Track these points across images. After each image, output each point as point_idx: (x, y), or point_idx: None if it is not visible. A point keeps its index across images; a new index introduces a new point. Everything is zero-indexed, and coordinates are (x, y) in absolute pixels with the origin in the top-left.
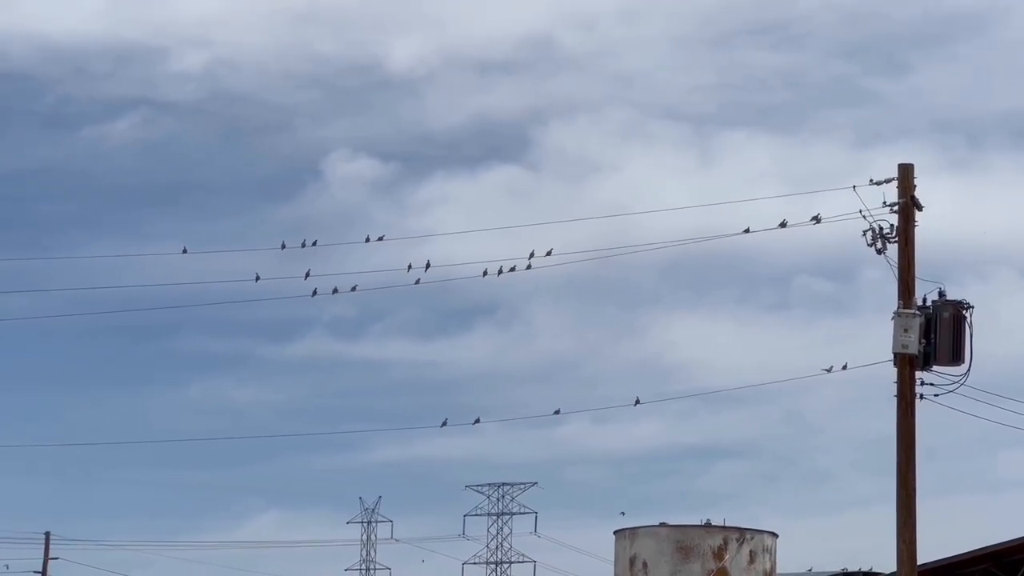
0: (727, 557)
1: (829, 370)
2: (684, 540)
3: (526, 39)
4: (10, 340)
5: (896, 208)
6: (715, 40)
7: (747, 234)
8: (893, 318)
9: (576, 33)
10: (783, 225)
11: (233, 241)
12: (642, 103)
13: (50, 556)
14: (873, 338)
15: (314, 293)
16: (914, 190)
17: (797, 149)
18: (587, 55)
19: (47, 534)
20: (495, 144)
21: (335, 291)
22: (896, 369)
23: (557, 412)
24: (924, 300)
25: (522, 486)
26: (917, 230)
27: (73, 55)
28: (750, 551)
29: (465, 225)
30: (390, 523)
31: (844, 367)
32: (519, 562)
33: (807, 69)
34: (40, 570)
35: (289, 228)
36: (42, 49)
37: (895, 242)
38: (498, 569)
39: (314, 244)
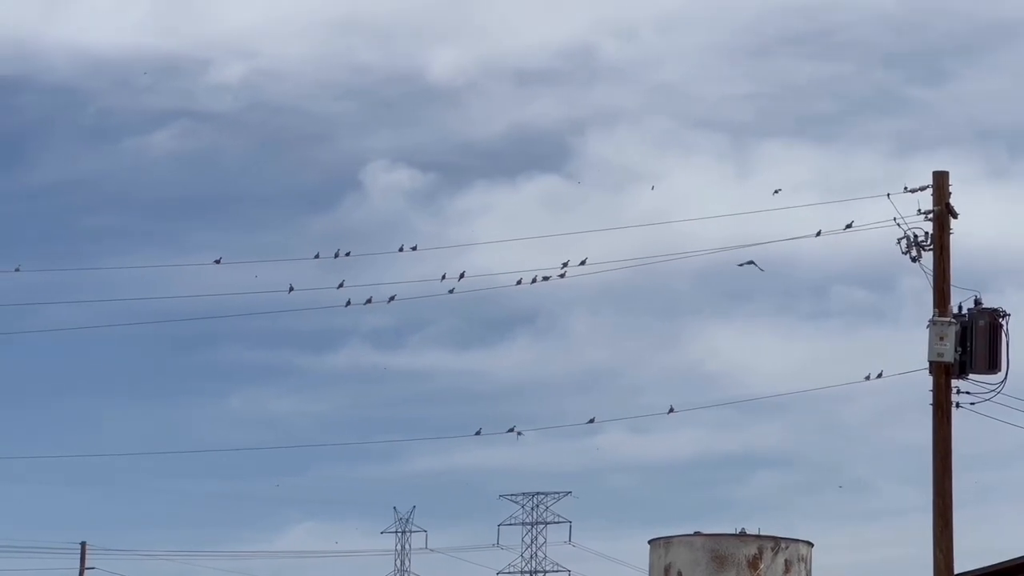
0: (762, 566)
1: (867, 378)
2: (719, 549)
3: (566, 49)
4: (52, 350)
5: (931, 216)
6: (755, 50)
7: (785, 243)
8: (928, 326)
9: (616, 43)
10: (818, 234)
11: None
12: (681, 113)
13: (86, 566)
14: (912, 347)
15: (348, 303)
16: (949, 197)
17: (837, 159)
18: (627, 64)
19: (83, 544)
20: (535, 154)
21: (369, 301)
22: (932, 377)
23: (591, 421)
24: (960, 308)
25: (556, 495)
26: (954, 238)
27: (115, 67)
28: (785, 560)
29: (505, 235)
30: (424, 533)
31: (879, 375)
32: (553, 571)
33: (847, 78)
34: None
35: (329, 239)
36: (85, 61)
37: (930, 250)
38: None
39: (347, 255)
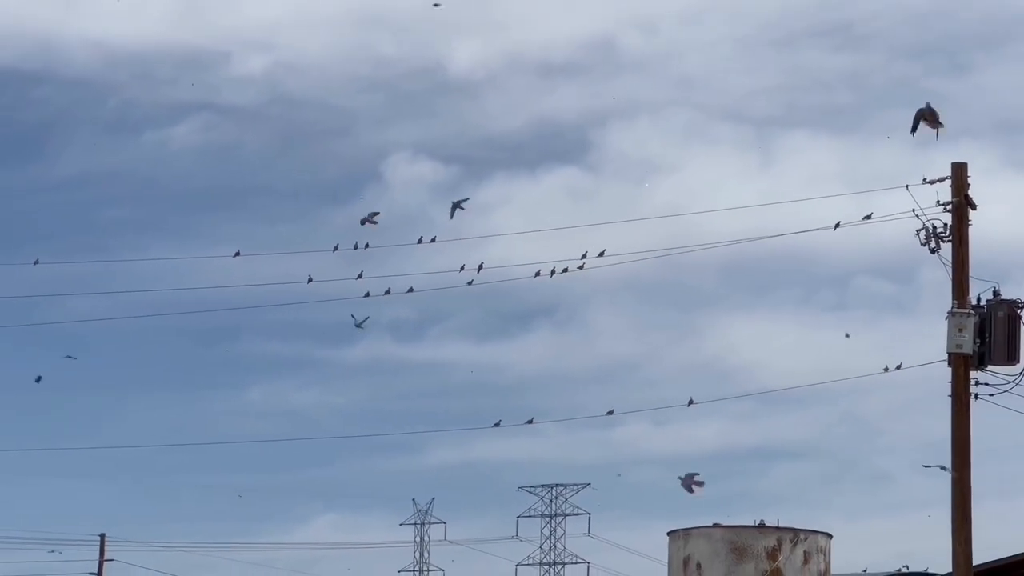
0: (780, 558)
1: (886, 370)
2: (738, 541)
3: (588, 41)
4: (73, 342)
5: (950, 207)
6: (778, 42)
7: (807, 235)
8: (947, 317)
9: (638, 35)
10: (837, 226)
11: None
12: (704, 105)
13: (106, 558)
14: (933, 339)
15: (367, 295)
16: (968, 189)
17: (860, 150)
18: (649, 57)
19: (102, 536)
20: (556, 146)
21: (388, 292)
22: (951, 369)
23: (611, 412)
24: (979, 300)
25: (575, 487)
26: (974, 229)
27: (137, 61)
28: (804, 552)
29: (524, 227)
30: (443, 525)
31: (899, 367)
32: (572, 563)
33: (870, 70)
34: (96, 572)
35: (350, 231)
36: (106, 55)
37: (949, 241)
38: (552, 570)
39: (366, 247)
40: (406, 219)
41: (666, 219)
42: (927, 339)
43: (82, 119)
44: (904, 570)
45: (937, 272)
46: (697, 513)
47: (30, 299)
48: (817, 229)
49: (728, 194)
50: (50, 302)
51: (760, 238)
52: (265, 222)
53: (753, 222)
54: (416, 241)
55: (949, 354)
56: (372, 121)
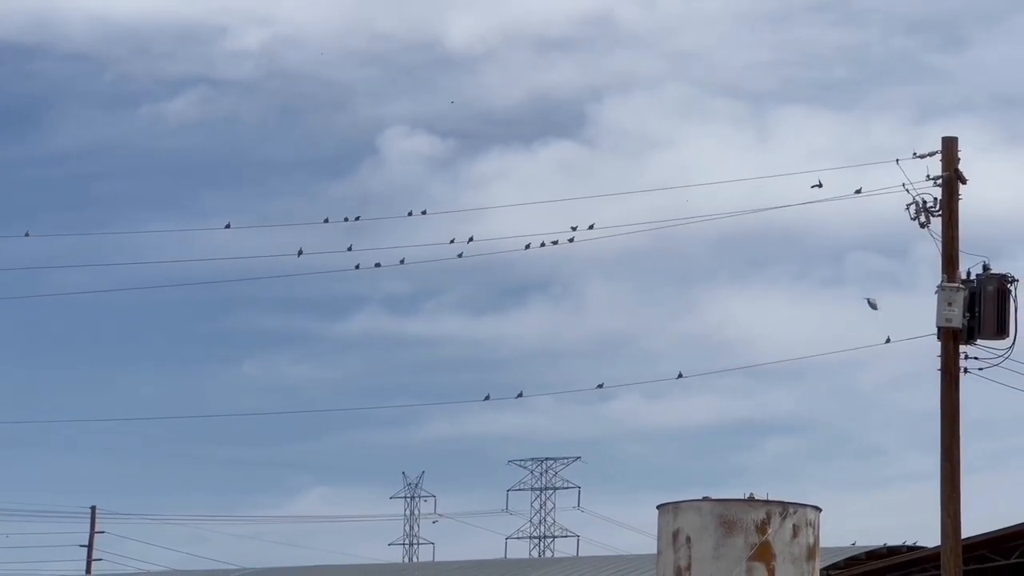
0: (770, 531)
1: (872, 345)
2: (727, 514)
3: (586, 16)
4: (68, 315)
5: (940, 182)
6: (776, 17)
7: (801, 209)
8: (936, 291)
9: (636, 9)
10: (822, 198)
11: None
12: (701, 80)
13: (96, 530)
14: (927, 313)
15: (357, 267)
16: (958, 163)
17: (856, 125)
18: (647, 32)
19: (93, 508)
20: (552, 121)
21: (378, 265)
22: (940, 343)
23: (600, 386)
24: (968, 274)
25: (565, 461)
26: (969, 204)
27: (134, 34)
28: (793, 525)
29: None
30: (433, 498)
31: (887, 341)
32: (562, 536)
33: (868, 45)
34: (86, 544)
35: (346, 205)
36: (104, 29)
37: (939, 216)
38: (541, 543)
39: (356, 219)
40: (403, 192)
41: (661, 193)
42: (920, 313)
43: (79, 92)
44: (906, 545)
45: (931, 247)
46: (686, 487)
47: (24, 271)
48: (810, 203)
49: (724, 169)
50: (44, 274)
51: (756, 211)
52: (262, 196)
53: (748, 197)
54: (407, 214)
55: (938, 328)
56: (369, 95)
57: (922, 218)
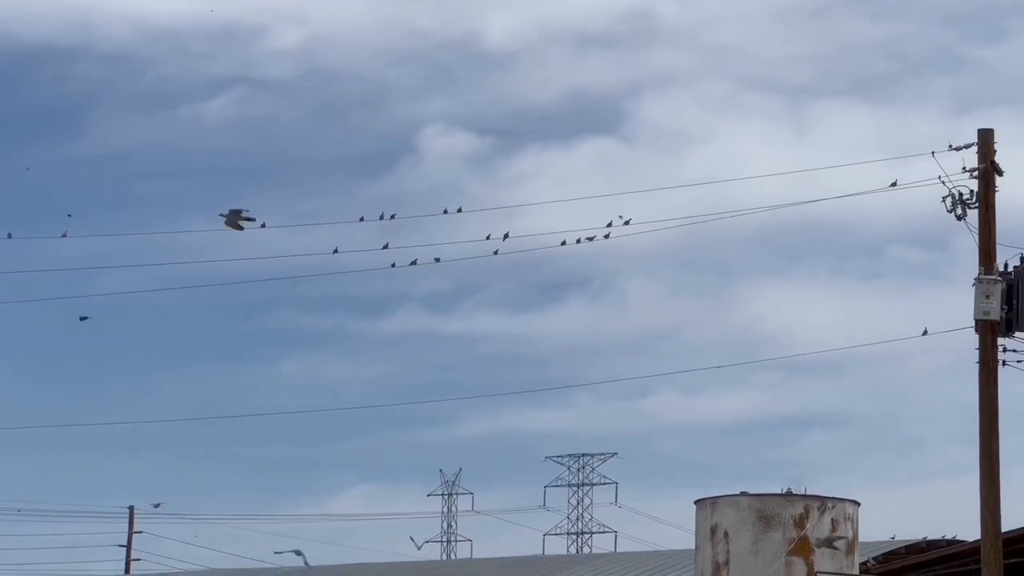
0: (808, 526)
1: (910, 338)
2: (765, 509)
3: (623, 12)
4: (109, 317)
5: (976, 174)
6: (814, 11)
7: (840, 202)
8: (974, 284)
9: (674, 5)
10: (857, 191)
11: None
12: (739, 75)
13: (135, 530)
14: (965, 306)
15: (393, 265)
16: (994, 155)
17: (895, 118)
18: (684, 27)
19: (131, 508)
20: (590, 117)
21: (414, 263)
22: (978, 336)
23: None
24: (1006, 266)
25: (602, 456)
26: (1004, 196)
27: (173, 35)
28: (832, 519)
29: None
30: (471, 495)
31: (924, 333)
32: (600, 532)
33: (906, 38)
34: (125, 544)
35: (385, 203)
36: (143, 30)
37: (976, 208)
38: (579, 539)
39: (392, 217)
40: (441, 190)
41: (699, 188)
42: (959, 306)
43: (119, 94)
44: (946, 539)
45: (970, 240)
46: (724, 482)
47: (64, 272)
48: (846, 196)
49: (762, 164)
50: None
51: (794, 204)
52: (301, 196)
53: (786, 190)
54: (442, 212)
55: (976, 321)
56: (407, 93)
57: (958, 210)
